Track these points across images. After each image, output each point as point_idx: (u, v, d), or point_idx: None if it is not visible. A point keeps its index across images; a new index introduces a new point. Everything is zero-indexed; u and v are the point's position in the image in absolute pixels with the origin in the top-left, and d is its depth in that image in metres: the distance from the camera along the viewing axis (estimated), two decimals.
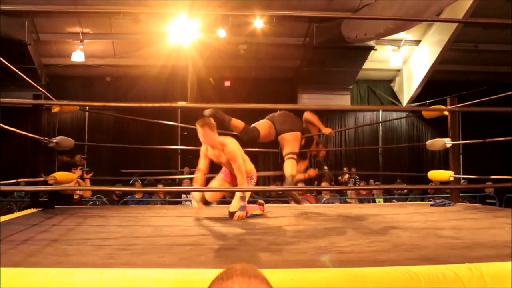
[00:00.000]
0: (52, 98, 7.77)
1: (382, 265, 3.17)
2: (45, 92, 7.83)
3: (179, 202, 12.04)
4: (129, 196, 12.05)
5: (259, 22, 14.57)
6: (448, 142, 8.17)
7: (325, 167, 16.91)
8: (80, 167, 9.13)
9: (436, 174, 8.28)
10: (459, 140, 8.78)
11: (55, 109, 7.50)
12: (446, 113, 8.05)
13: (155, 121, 11.33)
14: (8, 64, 5.28)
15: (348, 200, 12.26)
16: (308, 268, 3.11)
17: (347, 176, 16.29)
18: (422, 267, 3.08)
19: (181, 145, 17.36)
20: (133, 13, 13.81)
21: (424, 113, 8.37)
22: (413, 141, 19.53)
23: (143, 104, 5.65)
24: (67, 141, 7.77)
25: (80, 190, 8.59)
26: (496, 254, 3.57)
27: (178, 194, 12.56)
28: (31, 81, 6.43)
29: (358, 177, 16.05)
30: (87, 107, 14.59)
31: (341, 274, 3.01)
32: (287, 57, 17.37)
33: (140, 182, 13.42)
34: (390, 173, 16.18)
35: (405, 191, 14.69)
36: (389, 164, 18.76)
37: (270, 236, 4.74)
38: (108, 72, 17.62)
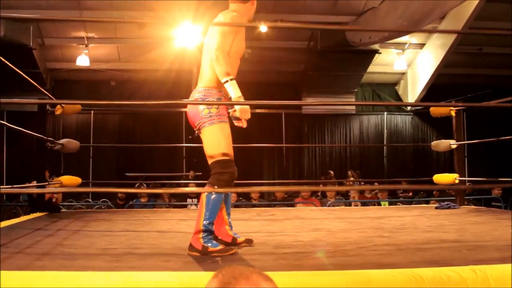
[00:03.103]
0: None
1: (387, 267, 3.18)
2: (51, 96, 7.85)
3: (185, 206, 12.05)
4: (134, 200, 12.08)
5: (263, 27, 14.58)
6: (453, 143, 8.20)
7: (331, 172, 16.94)
8: None
9: (441, 178, 8.30)
10: (465, 142, 8.79)
11: (58, 111, 7.54)
12: (453, 113, 8.09)
13: (162, 110, 11.29)
14: (15, 69, 5.30)
15: (353, 203, 12.26)
16: (313, 271, 3.12)
17: (351, 179, 16.28)
18: (427, 269, 3.09)
19: (186, 150, 17.41)
20: (138, 18, 13.82)
21: (431, 110, 8.37)
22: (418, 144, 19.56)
23: (148, 102, 5.65)
24: (72, 144, 7.81)
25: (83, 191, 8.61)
26: (500, 256, 3.58)
27: (184, 197, 12.57)
28: (36, 85, 6.46)
29: (363, 181, 16.04)
30: (92, 111, 14.69)
31: (346, 276, 3.02)
32: (291, 61, 17.34)
33: (145, 186, 13.45)
34: (395, 179, 16.13)
35: (410, 194, 14.67)
36: (394, 168, 18.71)
37: (275, 240, 4.75)
38: (113, 76, 17.62)
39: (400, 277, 2.98)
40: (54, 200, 7.79)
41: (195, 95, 4.41)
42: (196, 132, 4.46)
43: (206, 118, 4.27)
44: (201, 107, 4.30)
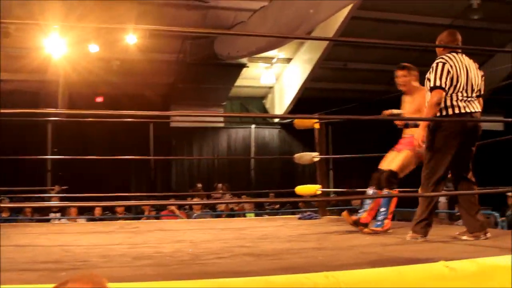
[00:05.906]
0: None
1: (242, 276, 3.21)
2: None
3: (48, 220, 11.74)
4: None
5: (132, 38, 14.43)
6: (315, 156, 8.38)
7: (199, 184, 16.95)
8: None
9: (303, 189, 8.47)
10: (328, 155, 9.03)
11: None
12: (316, 126, 8.28)
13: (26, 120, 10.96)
14: None
15: (220, 215, 12.33)
16: (166, 281, 3.10)
17: (220, 192, 16.35)
18: (281, 277, 3.13)
19: (51, 163, 16.94)
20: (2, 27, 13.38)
21: (296, 122, 8.55)
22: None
23: (11, 110, 5.37)
24: None
25: None
26: (354, 262, 3.70)
27: (46, 212, 12.25)
28: None
29: (230, 193, 16.14)
30: None
31: (201, 285, 3.02)
32: (161, 73, 17.24)
33: (8, 200, 12.99)
34: (262, 191, 16.31)
35: (277, 206, 14.90)
36: (261, 181, 18.89)
37: (136, 251, 4.71)
38: None
39: (253, 284, 3.01)
40: None
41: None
42: None
43: None
44: None
